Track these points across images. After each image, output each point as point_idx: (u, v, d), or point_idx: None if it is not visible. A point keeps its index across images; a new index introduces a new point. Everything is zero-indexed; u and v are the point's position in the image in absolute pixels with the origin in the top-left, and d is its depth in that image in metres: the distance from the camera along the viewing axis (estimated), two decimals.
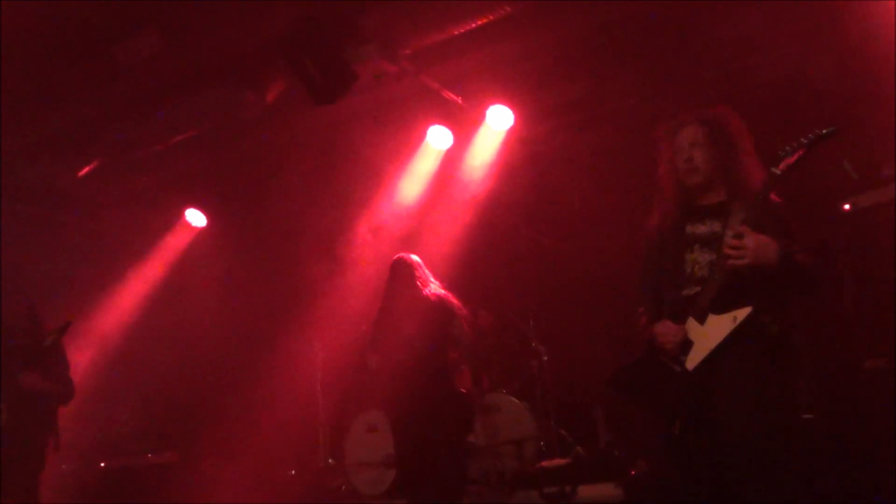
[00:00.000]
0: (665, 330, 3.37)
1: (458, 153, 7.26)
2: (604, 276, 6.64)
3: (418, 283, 5.10)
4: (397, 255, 5.31)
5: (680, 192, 3.50)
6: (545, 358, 6.55)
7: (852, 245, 5.34)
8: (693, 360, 3.29)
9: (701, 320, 3.29)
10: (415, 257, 5.31)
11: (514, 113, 6.79)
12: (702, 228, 3.44)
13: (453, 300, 5.13)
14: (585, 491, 5.19)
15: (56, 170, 7.14)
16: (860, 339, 5.10)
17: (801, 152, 3.14)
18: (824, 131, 3.14)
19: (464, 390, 5.53)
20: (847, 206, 5.40)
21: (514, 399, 6.28)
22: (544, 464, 5.86)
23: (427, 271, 5.26)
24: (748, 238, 3.15)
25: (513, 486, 5.55)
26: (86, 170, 7.25)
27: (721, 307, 3.25)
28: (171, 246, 8.31)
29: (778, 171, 3.16)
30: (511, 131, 6.93)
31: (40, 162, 6.89)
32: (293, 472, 7.10)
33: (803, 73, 5.67)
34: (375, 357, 5.11)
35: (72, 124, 6.67)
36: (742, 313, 3.19)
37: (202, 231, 8.31)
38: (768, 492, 3.08)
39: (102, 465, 7.20)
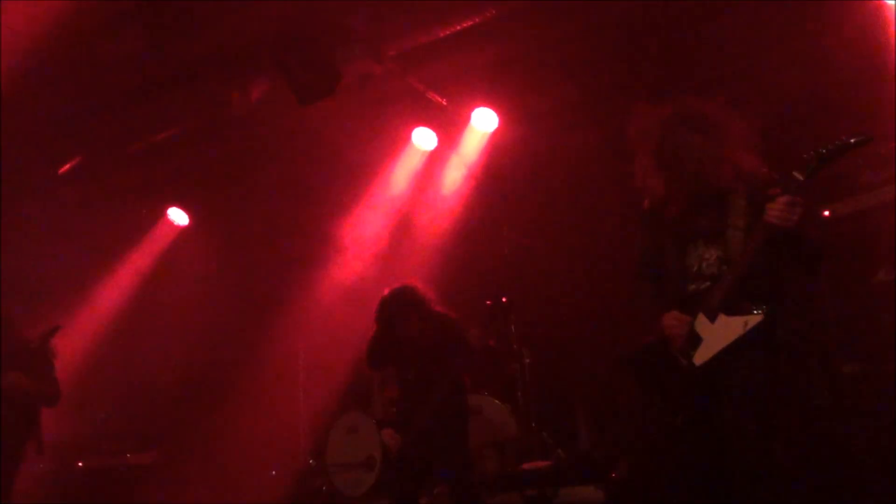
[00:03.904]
0: (673, 322, 3.37)
1: (442, 155, 7.26)
2: (588, 278, 6.66)
3: (427, 303, 5.04)
4: (394, 289, 5.15)
5: (675, 181, 3.46)
6: (527, 360, 6.55)
7: (832, 251, 5.38)
8: (701, 357, 3.29)
9: (711, 318, 3.28)
10: (412, 286, 5.17)
11: (498, 115, 6.80)
12: (702, 221, 3.42)
13: (457, 318, 5.12)
14: (566, 493, 5.19)
15: (37, 166, 7.08)
16: (838, 345, 5.14)
17: (827, 160, 3.08)
18: (853, 140, 3.06)
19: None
20: (827, 213, 5.44)
21: (496, 401, 6.28)
22: (525, 466, 5.87)
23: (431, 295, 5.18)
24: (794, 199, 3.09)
25: (494, 489, 5.55)
26: (67, 167, 7.20)
27: (732, 308, 3.25)
28: (154, 244, 8.26)
29: (801, 177, 3.12)
30: (495, 133, 6.94)
31: (22, 159, 6.82)
32: (273, 472, 7.06)
33: (789, 77, 5.70)
34: (379, 372, 5.09)
35: (53, 120, 6.61)
36: (753, 320, 3.20)
37: (185, 230, 8.26)
38: (766, 492, 3.11)
39: (81, 464, 7.14)
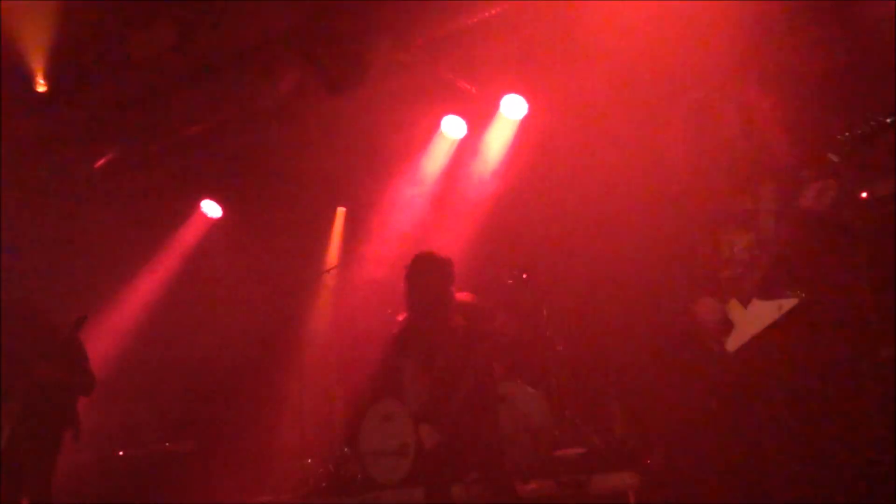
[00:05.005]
0: (706, 309, 3.35)
1: (472, 143, 7.25)
2: (619, 265, 6.61)
3: (451, 285, 5.02)
4: (422, 253, 5.14)
5: (709, 167, 3.42)
6: (560, 347, 6.53)
7: (870, 234, 5.29)
8: (734, 343, 3.26)
9: (745, 303, 3.26)
10: (441, 255, 5.14)
11: (528, 102, 6.76)
12: (733, 205, 3.38)
13: (485, 305, 5.11)
14: (600, 480, 5.18)
15: (72, 161, 7.20)
16: (876, 328, 5.06)
17: (862, 140, 3.03)
18: (889, 120, 3.00)
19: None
20: (864, 195, 5.35)
21: (528, 388, 6.28)
22: (559, 453, 5.86)
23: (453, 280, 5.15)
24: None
25: (527, 476, 5.55)
26: (102, 161, 7.31)
27: (766, 292, 3.22)
28: (187, 237, 8.35)
29: (836, 159, 3.07)
30: (525, 120, 6.91)
31: (57, 153, 6.94)
32: (309, 460, 7.13)
33: (824, 57, 5.59)
34: (409, 362, 5.11)
35: (88, 116, 6.71)
36: (788, 304, 3.16)
37: (218, 222, 8.35)
38: (802, 480, 3.08)
39: (121, 453, 7.28)
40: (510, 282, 6.09)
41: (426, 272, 4.99)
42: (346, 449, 6.95)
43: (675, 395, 3.87)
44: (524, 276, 4.79)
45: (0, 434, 5.30)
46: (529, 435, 6.01)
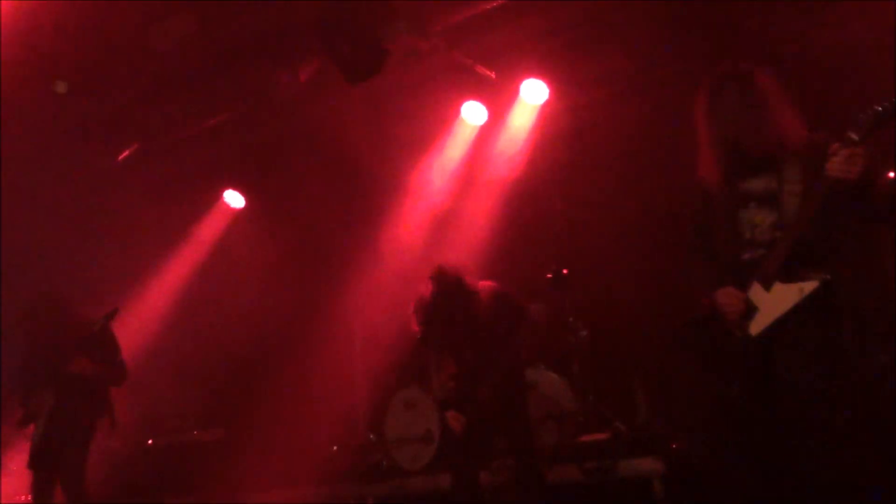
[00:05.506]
0: (728, 299, 3.29)
1: (493, 128, 7.21)
2: (643, 250, 6.57)
3: (472, 285, 5.05)
4: (438, 268, 5.13)
5: (729, 145, 3.34)
6: (583, 333, 6.51)
7: None
8: (757, 327, 3.21)
9: (767, 286, 3.20)
10: (455, 265, 5.17)
11: (548, 86, 6.72)
12: (756, 184, 3.31)
13: (510, 292, 5.12)
14: (625, 466, 5.18)
15: (96, 154, 7.26)
16: None
17: (883, 118, 2.98)
18: None
19: None
20: (892, 174, 5.26)
21: (552, 374, 6.28)
22: (583, 439, 5.86)
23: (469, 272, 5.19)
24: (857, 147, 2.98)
25: (552, 462, 5.56)
26: (125, 153, 7.36)
27: (788, 275, 3.16)
28: (211, 227, 8.40)
29: (856, 137, 3.01)
30: (546, 105, 6.86)
31: (80, 146, 7.00)
32: (335, 447, 7.19)
33: (845, 42, 5.49)
34: (433, 350, 5.14)
35: (110, 108, 6.76)
36: (809, 286, 3.11)
37: (241, 211, 8.39)
38: (826, 464, 3.05)
39: (150, 442, 7.38)
40: (549, 276, 6.07)
41: (447, 283, 5.02)
42: (371, 436, 7.01)
43: (699, 380, 3.83)
44: (564, 271, 4.78)
45: (36, 425, 5.42)
46: (554, 421, 6.02)
